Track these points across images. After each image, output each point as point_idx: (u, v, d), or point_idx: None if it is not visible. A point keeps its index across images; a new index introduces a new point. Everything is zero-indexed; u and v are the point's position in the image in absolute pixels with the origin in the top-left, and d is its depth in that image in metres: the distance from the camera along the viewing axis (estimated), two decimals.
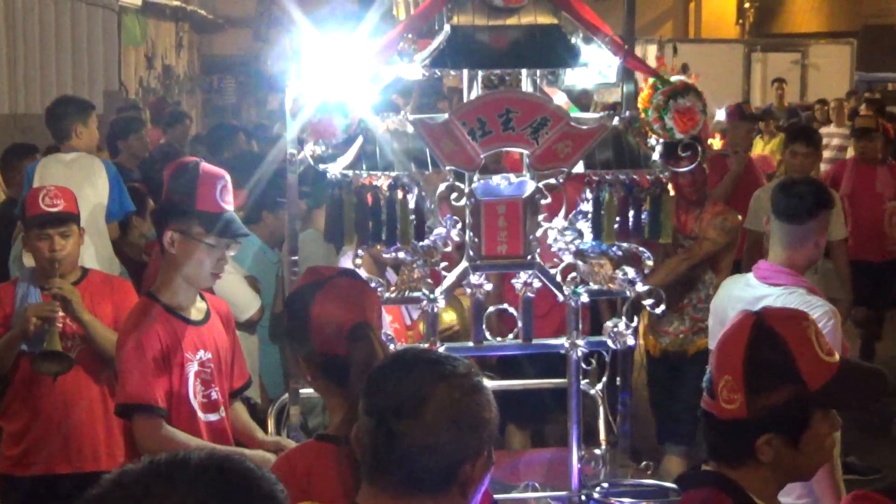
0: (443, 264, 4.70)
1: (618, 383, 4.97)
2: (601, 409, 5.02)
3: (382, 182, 4.62)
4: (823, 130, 17.91)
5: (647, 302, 4.77)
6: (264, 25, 28.79)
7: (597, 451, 4.93)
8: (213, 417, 5.17)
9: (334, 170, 4.61)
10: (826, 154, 16.67)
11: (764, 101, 23.77)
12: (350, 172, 4.63)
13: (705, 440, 3.12)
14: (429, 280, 4.68)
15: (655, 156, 4.71)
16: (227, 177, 5.04)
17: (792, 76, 26.72)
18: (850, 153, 14.34)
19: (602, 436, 5.04)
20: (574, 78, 5.01)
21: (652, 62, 4.78)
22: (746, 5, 50.22)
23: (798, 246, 5.11)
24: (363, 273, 4.79)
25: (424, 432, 2.60)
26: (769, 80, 24.50)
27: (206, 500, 1.86)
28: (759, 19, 51.03)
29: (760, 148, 17.06)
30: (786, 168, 9.09)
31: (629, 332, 4.78)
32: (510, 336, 4.86)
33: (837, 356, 3.04)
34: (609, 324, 4.82)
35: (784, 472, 3.02)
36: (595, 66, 4.82)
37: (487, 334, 4.82)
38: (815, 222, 5.14)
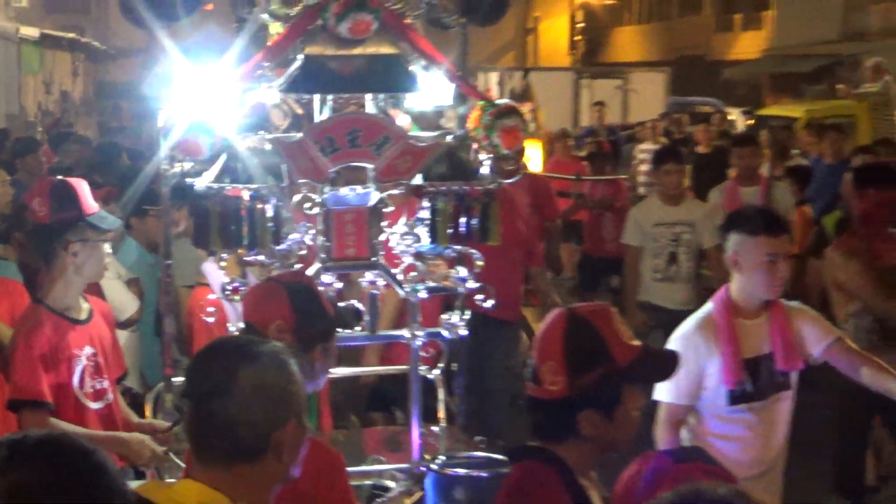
0: (297, 266, 4.66)
1: (453, 369, 4.98)
2: (440, 392, 5.00)
3: (244, 193, 4.59)
4: (640, 146, 18.21)
5: (478, 298, 4.78)
6: (151, 55, 28.51)
7: (434, 428, 4.93)
8: (100, 405, 5.14)
9: (201, 183, 4.58)
10: (643, 168, 16.95)
11: (590, 121, 24.04)
12: (215, 185, 4.60)
13: (531, 421, 3.15)
14: None
15: (485, 169, 4.72)
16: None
17: (615, 100, 27.10)
18: None
19: (441, 414, 5.03)
20: (416, 101, 5.01)
21: (496, 88, 4.84)
22: (577, 38, 50.90)
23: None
24: (226, 274, 4.77)
25: (236, 408, 2.64)
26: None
27: (41, 472, 1.93)
28: (588, 50, 51.76)
29: None
30: (661, 186, 9.18)
31: (462, 324, 4.79)
32: (357, 328, 4.82)
33: (637, 341, 3.11)
34: (444, 316, 4.83)
35: (600, 444, 3.07)
36: (436, 91, 4.81)
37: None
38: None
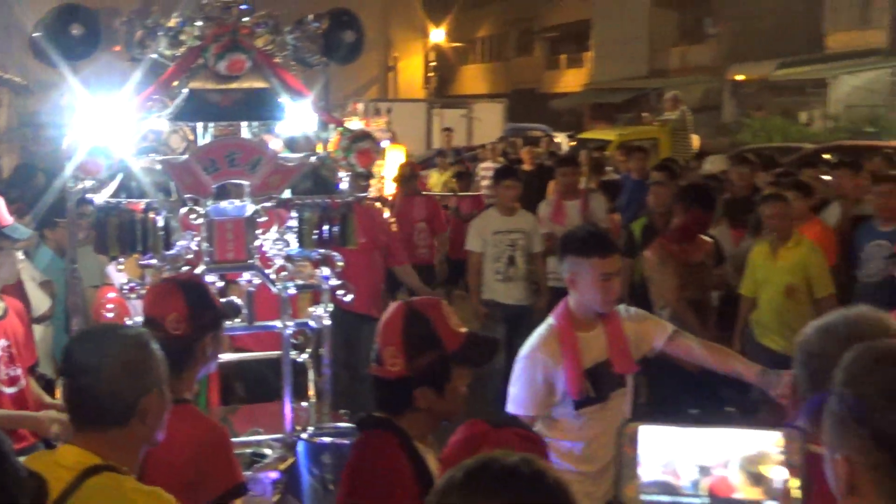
0: (186, 268, 4.60)
1: (320, 353, 4.94)
2: (310, 373, 4.97)
3: (138, 207, 4.53)
4: (482, 165, 18.31)
5: (339, 293, 4.77)
6: (65, 88, 27.83)
7: (304, 404, 4.91)
8: (14, 390, 5.02)
9: (100, 198, 4.51)
10: (484, 182, 17.10)
11: (440, 144, 24.10)
12: (113, 200, 4.53)
13: (376, 397, 3.15)
14: None
15: (344, 185, 4.72)
16: None
17: (461, 126, 27.25)
18: None
19: (311, 392, 5.00)
20: (286, 128, 4.97)
21: (362, 119, 4.84)
22: (430, 74, 51.04)
23: None
24: (125, 276, 4.69)
25: (104, 381, 2.70)
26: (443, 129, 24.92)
27: None
28: (439, 84, 51.94)
29: (436, 179, 17.30)
30: (500, 199, 8.99)
31: (327, 314, 4.78)
32: (237, 320, 4.77)
33: (464, 328, 3.13)
34: (311, 308, 4.81)
35: (434, 415, 3.08)
36: (303, 119, 4.78)
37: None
38: None
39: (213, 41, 4.53)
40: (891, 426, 1.71)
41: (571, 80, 48.86)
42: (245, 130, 4.77)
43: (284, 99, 4.66)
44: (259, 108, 4.70)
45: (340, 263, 4.79)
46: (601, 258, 4.49)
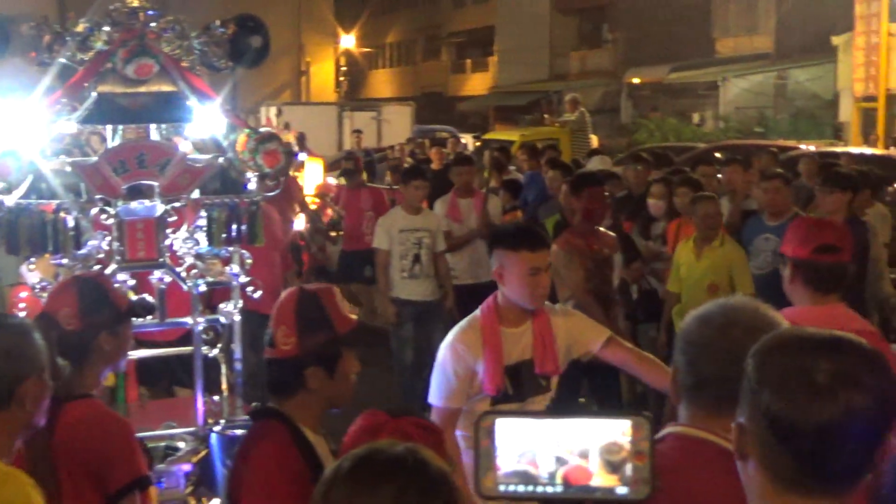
0: (97, 267, 4.53)
1: (232, 347, 4.90)
2: (222, 367, 4.93)
3: (49, 207, 4.46)
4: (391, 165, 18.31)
5: (249, 290, 4.75)
6: None
7: (216, 398, 4.86)
8: None
9: (10, 200, 4.42)
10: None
11: (351, 146, 24.02)
12: (24, 201, 4.44)
13: (268, 379, 3.13)
14: None
15: (251, 185, 4.69)
16: None
17: (371, 128, 27.21)
18: None
19: (224, 386, 4.96)
20: (195, 130, 4.93)
21: (274, 119, 4.79)
22: (341, 78, 50.89)
23: None
24: (38, 275, 4.62)
25: None
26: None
27: None
28: (350, 88, 51.84)
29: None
30: (408, 198, 8.79)
31: (236, 311, 4.75)
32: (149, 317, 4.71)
33: (355, 315, 3.18)
34: (222, 305, 4.78)
35: (324, 398, 3.08)
36: (211, 121, 4.74)
37: None
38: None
39: (120, 46, 4.47)
40: (777, 404, 1.81)
41: (477, 84, 49.11)
42: (154, 132, 4.72)
43: (192, 102, 4.62)
44: (167, 110, 4.64)
45: (249, 261, 4.77)
46: (530, 251, 4.29)
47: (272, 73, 42.94)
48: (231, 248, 4.73)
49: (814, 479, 1.82)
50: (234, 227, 4.64)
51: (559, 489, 2.00)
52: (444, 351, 4.39)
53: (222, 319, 4.76)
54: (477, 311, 4.47)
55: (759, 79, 34.84)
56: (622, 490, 2.00)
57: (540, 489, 2.00)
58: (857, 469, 1.81)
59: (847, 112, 29.67)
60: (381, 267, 8.83)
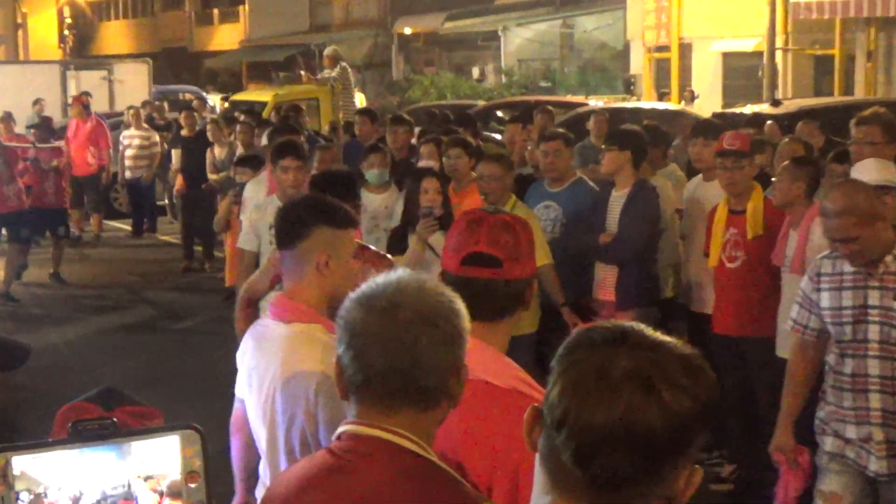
0: None
1: None
2: None
3: None
4: (126, 132, 17.66)
5: None
6: None
7: None
8: None
9: None
10: (129, 153, 16.62)
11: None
12: None
13: None
14: None
15: None
16: None
17: (102, 90, 26.31)
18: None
19: None
20: None
21: None
22: (66, 32, 49.19)
23: (297, 274, 3.69)
24: None
25: None
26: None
27: None
28: (77, 44, 50.17)
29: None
30: (279, 184, 7.18)
31: None
32: None
33: None
34: None
35: None
36: None
37: None
38: (306, 242, 3.65)
39: None
40: (557, 405, 1.77)
41: (226, 37, 48.29)
42: None
43: None
44: None
45: None
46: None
47: None
48: None
49: (580, 479, 1.77)
50: None
51: None
52: None
53: None
54: None
55: (543, 27, 35.58)
56: None
57: None
58: (626, 476, 1.75)
59: (638, 63, 30.64)
60: (247, 270, 7.02)
